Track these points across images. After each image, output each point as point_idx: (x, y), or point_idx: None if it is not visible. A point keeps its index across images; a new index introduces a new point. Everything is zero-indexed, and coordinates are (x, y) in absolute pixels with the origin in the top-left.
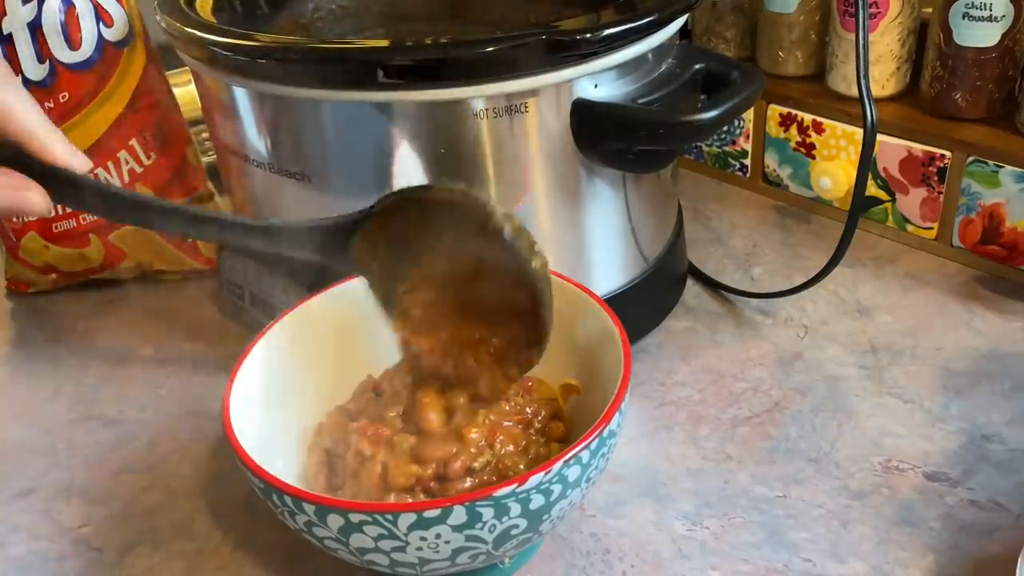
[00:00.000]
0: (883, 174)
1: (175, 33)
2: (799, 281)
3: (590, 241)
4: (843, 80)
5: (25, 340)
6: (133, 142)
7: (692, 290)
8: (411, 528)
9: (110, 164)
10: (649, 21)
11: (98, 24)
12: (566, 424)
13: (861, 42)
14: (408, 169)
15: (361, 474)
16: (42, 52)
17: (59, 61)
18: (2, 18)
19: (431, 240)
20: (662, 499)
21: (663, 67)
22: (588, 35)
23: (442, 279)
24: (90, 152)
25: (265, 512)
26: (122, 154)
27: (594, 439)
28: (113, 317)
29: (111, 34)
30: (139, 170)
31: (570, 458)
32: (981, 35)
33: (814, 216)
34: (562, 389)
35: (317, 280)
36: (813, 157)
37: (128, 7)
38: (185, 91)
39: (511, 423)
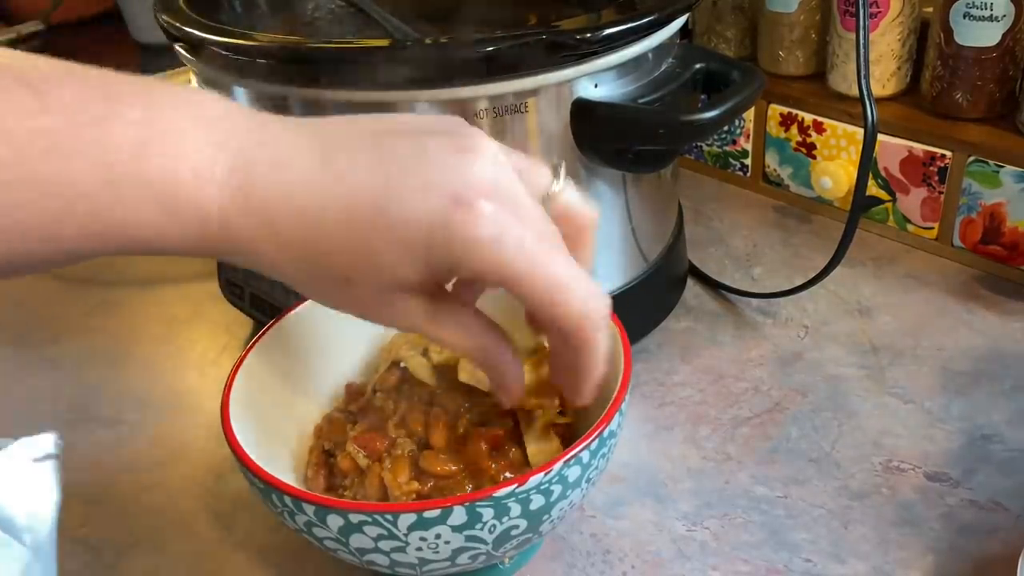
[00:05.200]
0: (884, 174)
1: (175, 33)
2: (799, 281)
3: None
4: (844, 80)
5: (25, 340)
6: None
7: (692, 290)
8: (411, 528)
9: None
10: (649, 21)
11: None
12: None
13: (861, 42)
14: None
15: (359, 484)
16: None
17: None
18: None
19: None
20: (662, 499)
21: (663, 67)
22: (588, 35)
23: None
24: None
25: (265, 512)
26: None
27: (594, 439)
28: (113, 317)
29: None
30: None
31: (570, 458)
32: (982, 35)
33: (814, 216)
34: None
35: None
36: (814, 157)
37: None
38: None
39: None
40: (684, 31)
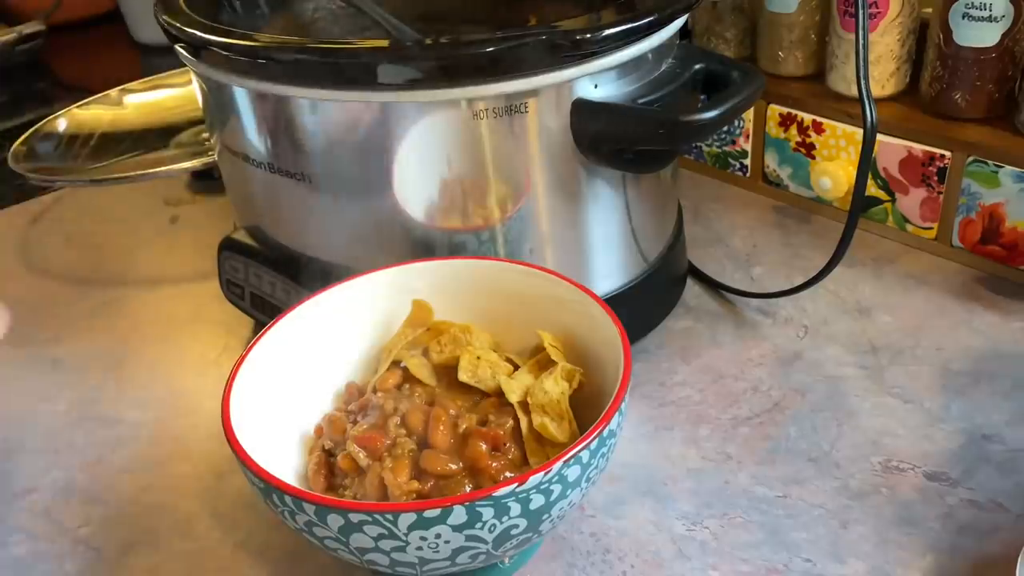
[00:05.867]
0: (883, 174)
1: (175, 33)
2: (799, 281)
3: (590, 241)
4: (843, 80)
5: (25, 340)
6: None
7: (692, 290)
8: (411, 528)
9: None
10: (649, 21)
11: None
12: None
13: (861, 42)
14: (408, 169)
15: (359, 484)
16: None
17: None
18: None
19: None
20: (662, 499)
21: (663, 67)
22: (588, 35)
23: None
24: None
25: (265, 512)
26: None
27: (594, 439)
28: (113, 317)
29: None
30: None
31: (570, 458)
32: (981, 35)
33: (814, 216)
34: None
35: (317, 280)
36: (813, 157)
37: None
38: (185, 91)
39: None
40: (684, 31)
